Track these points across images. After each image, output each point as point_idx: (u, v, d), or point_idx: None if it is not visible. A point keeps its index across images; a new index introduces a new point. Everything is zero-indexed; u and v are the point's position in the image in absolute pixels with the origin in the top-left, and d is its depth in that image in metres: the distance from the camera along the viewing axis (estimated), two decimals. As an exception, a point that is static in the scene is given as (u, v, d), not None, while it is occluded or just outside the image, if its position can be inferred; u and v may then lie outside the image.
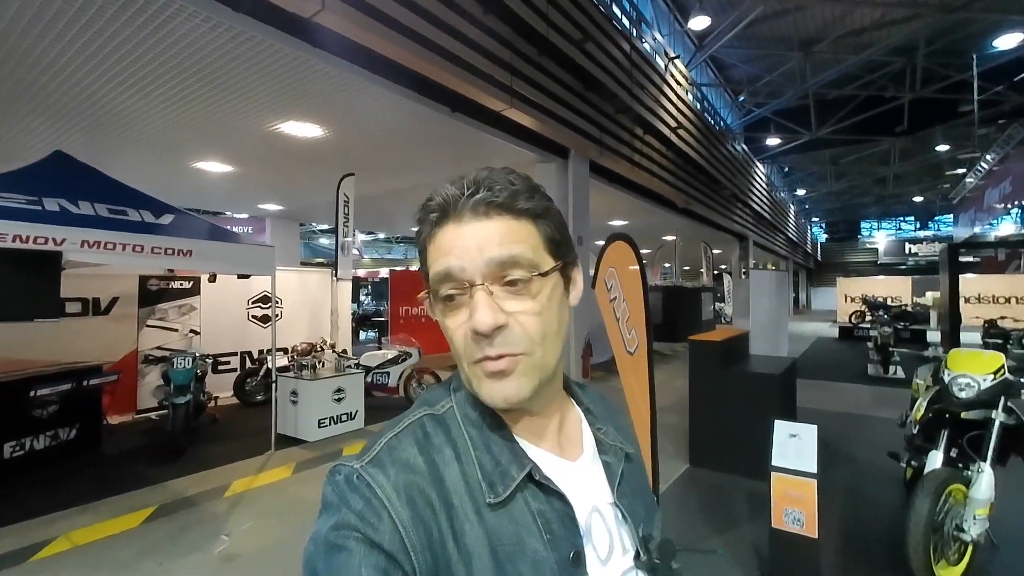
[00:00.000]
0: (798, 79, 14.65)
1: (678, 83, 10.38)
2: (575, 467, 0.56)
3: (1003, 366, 2.32)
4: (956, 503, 2.07)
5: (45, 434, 4.23)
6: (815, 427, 2.33)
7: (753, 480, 3.59)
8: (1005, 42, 11.06)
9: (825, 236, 42.80)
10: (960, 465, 2.23)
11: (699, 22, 10.84)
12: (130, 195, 4.18)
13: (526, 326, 0.48)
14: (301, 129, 6.01)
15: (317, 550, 0.45)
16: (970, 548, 2.09)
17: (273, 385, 5.11)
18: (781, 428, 2.40)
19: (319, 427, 5.11)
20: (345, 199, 7.65)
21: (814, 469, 2.22)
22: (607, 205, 10.85)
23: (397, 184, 8.62)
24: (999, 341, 8.65)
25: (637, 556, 0.56)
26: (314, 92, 5.03)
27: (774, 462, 2.31)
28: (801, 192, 29.70)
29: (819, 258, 39.89)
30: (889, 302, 19.62)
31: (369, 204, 9.90)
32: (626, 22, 8.25)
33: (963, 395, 2.23)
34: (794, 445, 2.32)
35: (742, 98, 17.06)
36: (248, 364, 7.02)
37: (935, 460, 2.24)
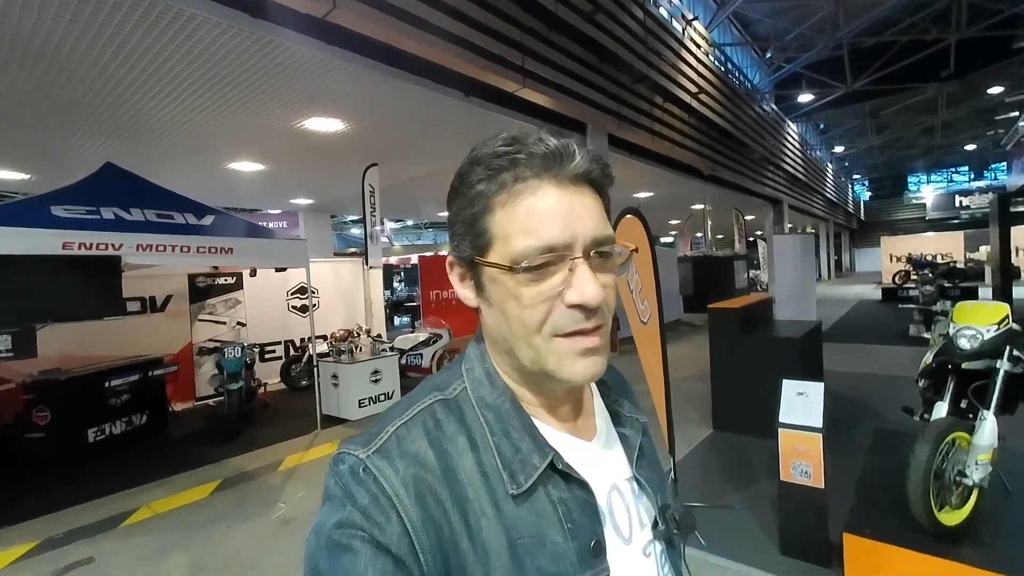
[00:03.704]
0: (829, 29, 13.83)
1: (697, 46, 10.05)
2: (592, 447, 0.55)
3: (1007, 316, 2.32)
4: (960, 450, 2.12)
5: (121, 420, 4.72)
6: (821, 384, 2.41)
7: (773, 441, 3.65)
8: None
9: (869, 194, 40.63)
10: (971, 416, 2.27)
11: (717, -21, 10.37)
12: (174, 200, 4.52)
13: (608, 299, 0.48)
14: (324, 124, 6.23)
15: (320, 546, 0.44)
16: (975, 493, 2.15)
17: (315, 370, 5.48)
18: (789, 387, 2.49)
19: (360, 407, 5.46)
20: (370, 189, 7.90)
21: (820, 424, 2.30)
22: (629, 178, 10.74)
23: (419, 171, 8.80)
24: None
25: (655, 525, 0.56)
26: (333, 88, 5.22)
27: (782, 419, 2.41)
28: (839, 149, 28.22)
29: (862, 218, 38.00)
30: (940, 259, 18.65)
31: (394, 192, 10.16)
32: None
33: (967, 346, 2.25)
34: (801, 402, 2.41)
35: (769, 55, 16.26)
36: (292, 352, 7.48)
37: (940, 410, 2.29)
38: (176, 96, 5.05)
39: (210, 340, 6.40)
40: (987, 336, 2.24)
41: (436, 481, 0.46)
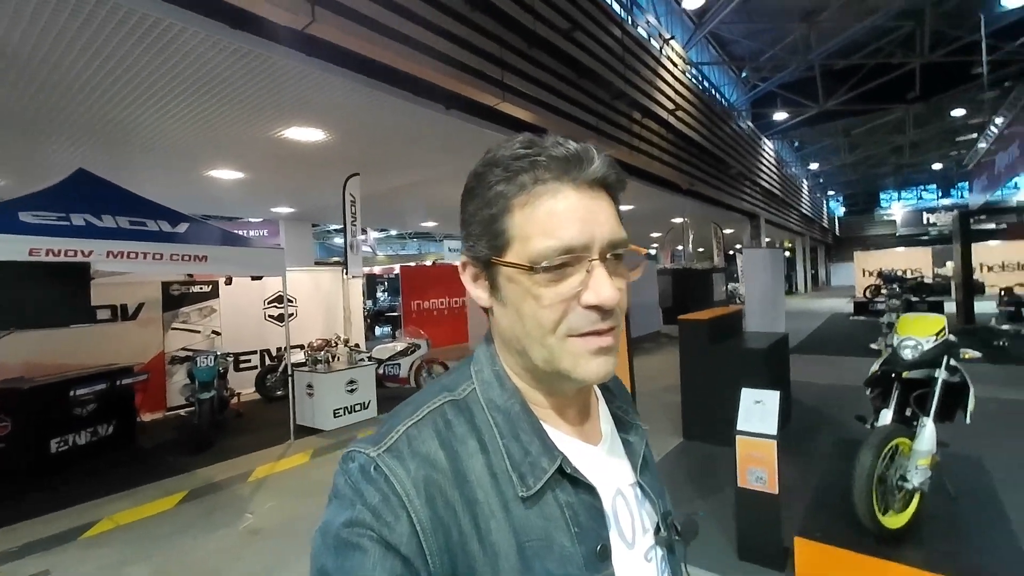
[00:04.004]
0: (800, 51, 14.38)
1: (674, 64, 10.36)
2: (598, 451, 0.56)
3: (944, 328, 2.47)
4: (902, 456, 2.23)
5: (86, 430, 4.62)
6: (777, 393, 2.51)
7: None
8: (1012, 1, 10.73)
9: (843, 210, 41.85)
10: (914, 423, 2.38)
11: (692, 1, 10.75)
12: (148, 207, 4.49)
13: (621, 301, 0.49)
14: (304, 134, 6.25)
15: (327, 545, 0.43)
16: (916, 497, 2.25)
17: (290, 379, 5.43)
18: (747, 395, 2.58)
19: (334, 417, 5.42)
20: (351, 199, 7.90)
21: (774, 431, 2.39)
22: (609, 191, 10.93)
23: (401, 181, 8.84)
24: (1011, 308, 8.55)
25: (657, 531, 0.56)
26: (312, 99, 5.26)
27: (739, 427, 2.49)
28: (814, 166, 29.10)
29: (837, 233, 39.10)
30: (909, 274, 19.30)
31: (377, 202, 10.17)
32: (618, 8, 8.27)
33: (908, 356, 2.38)
34: (758, 410, 2.50)
35: (744, 74, 16.80)
36: (267, 361, 7.39)
37: (885, 417, 2.40)
38: (154, 104, 5.03)
39: (183, 349, 6.31)
40: (926, 347, 2.37)
41: (446, 482, 0.46)
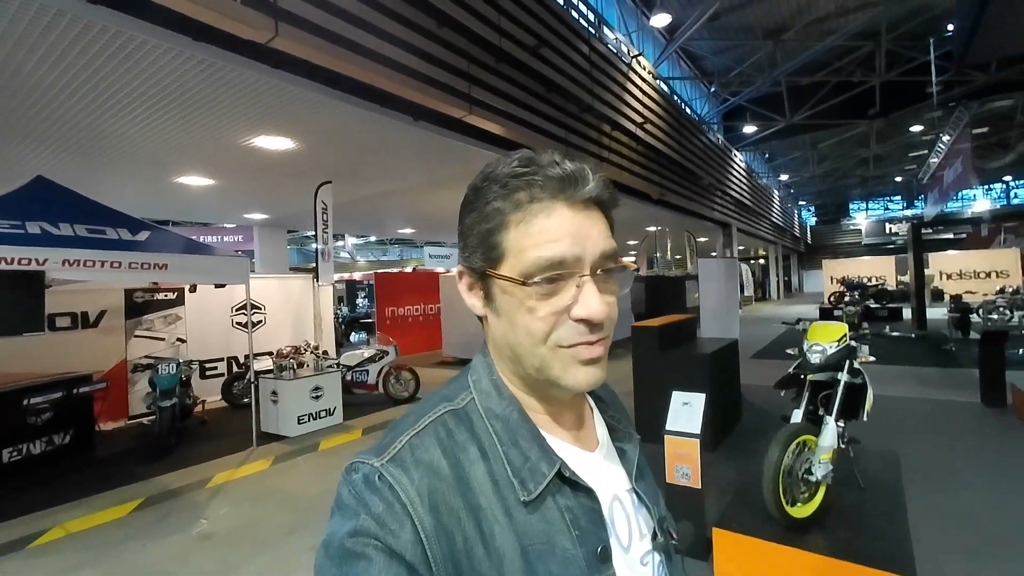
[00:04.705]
0: (766, 68, 14.96)
1: (643, 79, 10.69)
2: (594, 458, 0.57)
3: (846, 335, 2.69)
4: (809, 451, 2.42)
5: (40, 439, 4.57)
6: (703, 396, 2.68)
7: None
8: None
9: (815, 219, 43.18)
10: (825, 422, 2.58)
11: (660, 19, 11.14)
12: (108, 215, 4.50)
13: (611, 314, 0.51)
14: (273, 143, 6.30)
15: (331, 556, 0.43)
16: (822, 489, 2.44)
17: (253, 386, 5.45)
18: (677, 398, 2.75)
19: (299, 423, 5.45)
20: (323, 206, 7.94)
21: (698, 431, 2.56)
22: (581, 200, 11.17)
23: (374, 189, 8.92)
24: (957, 315, 9.00)
25: (654, 537, 0.57)
26: (280, 109, 5.33)
27: (667, 427, 2.65)
28: (785, 177, 30.04)
29: (809, 241, 40.32)
30: (874, 281, 20.03)
31: (353, 209, 10.22)
32: (586, 24, 8.54)
33: (815, 360, 2.59)
34: (685, 411, 2.67)
35: (713, 88, 17.36)
36: (235, 369, 7.36)
37: (797, 416, 2.60)
38: (117, 111, 5.04)
39: (146, 356, 6.26)
40: (830, 352, 2.58)
41: (450, 490, 0.46)
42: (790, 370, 2.77)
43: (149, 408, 5.41)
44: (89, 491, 4.04)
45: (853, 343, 2.64)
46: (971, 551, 2.59)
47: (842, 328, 2.71)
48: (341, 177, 7.86)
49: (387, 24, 5.20)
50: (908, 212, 36.09)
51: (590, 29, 8.67)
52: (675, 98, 15.18)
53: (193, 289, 6.13)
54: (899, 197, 38.33)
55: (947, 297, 13.31)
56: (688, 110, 16.22)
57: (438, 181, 8.35)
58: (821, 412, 2.65)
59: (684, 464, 2.57)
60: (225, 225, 14.62)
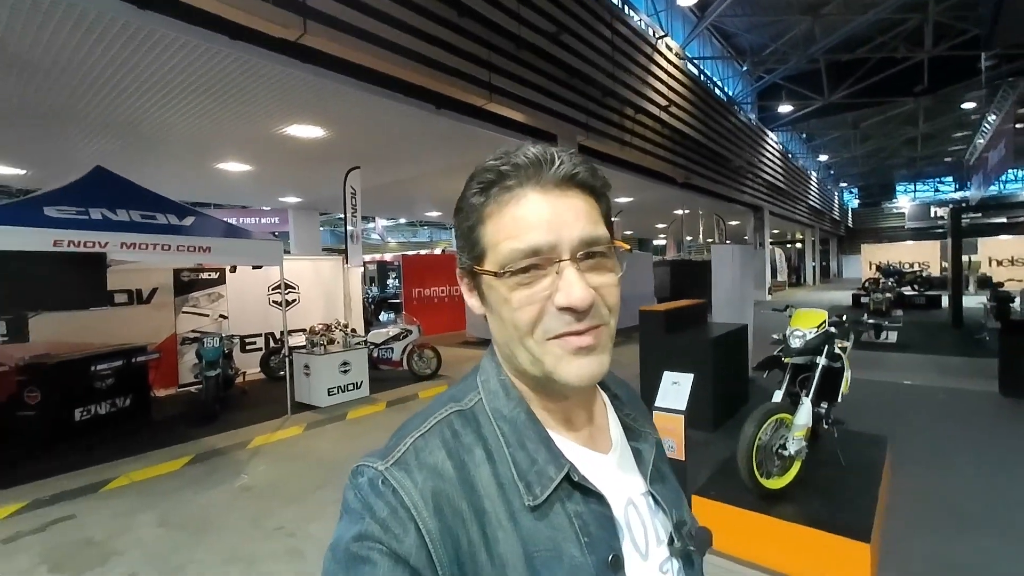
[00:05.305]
0: (801, 46, 14.35)
1: (668, 61, 10.52)
2: (607, 460, 0.55)
3: (824, 322, 2.81)
4: (785, 428, 2.59)
5: (105, 402, 5.15)
6: (691, 376, 2.87)
7: (693, 430, 4.14)
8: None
9: (857, 202, 41.30)
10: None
11: (687, -1, 10.87)
12: (159, 201, 4.94)
13: (607, 298, 0.48)
14: (305, 131, 6.66)
15: (337, 560, 0.44)
16: (796, 464, 2.61)
17: (288, 360, 5.91)
18: (667, 378, 2.95)
19: (328, 395, 5.90)
20: (352, 191, 8.30)
21: (683, 407, 2.76)
22: (603, 184, 11.18)
23: (402, 174, 9.23)
24: (994, 304, 8.68)
25: (671, 542, 0.55)
26: (310, 100, 5.66)
27: (656, 403, 2.86)
28: (824, 158, 28.80)
29: (850, 224, 38.68)
30: (916, 267, 19.20)
31: (381, 193, 10.59)
32: (609, 8, 8.47)
33: (795, 345, 2.73)
34: (673, 390, 2.87)
35: (745, 67, 16.77)
36: (271, 344, 7.91)
37: (778, 396, 2.76)
38: (163, 105, 5.48)
39: (193, 331, 6.83)
40: (810, 337, 2.72)
41: (455, 492, 0.46)
42: (773, 353, 2.92)
43: (196, 377, 5.96)
44: (147, 448, 4.57)
45: (832, 330, 2.77)
46: (941, 528, 2.72)
47: (822, 315, 2.83)
48: (369, 163, 8.19)
49: (408, 16, 5.40)
50: (958, 195, 34.09)
51: (614, 13, 8.60)
52: (703, 78, 14.80)
53: (233, 270, 6.63)
54: (951, 178, 36.16)
55: (1009, 284, 12.70)
56: (718, 91, 15.78)
57: (461, 166, 8.57)
58: (801, 393, 2.80)
59: (670, 437, 2.78)
60: (263, 208, 15.31)
